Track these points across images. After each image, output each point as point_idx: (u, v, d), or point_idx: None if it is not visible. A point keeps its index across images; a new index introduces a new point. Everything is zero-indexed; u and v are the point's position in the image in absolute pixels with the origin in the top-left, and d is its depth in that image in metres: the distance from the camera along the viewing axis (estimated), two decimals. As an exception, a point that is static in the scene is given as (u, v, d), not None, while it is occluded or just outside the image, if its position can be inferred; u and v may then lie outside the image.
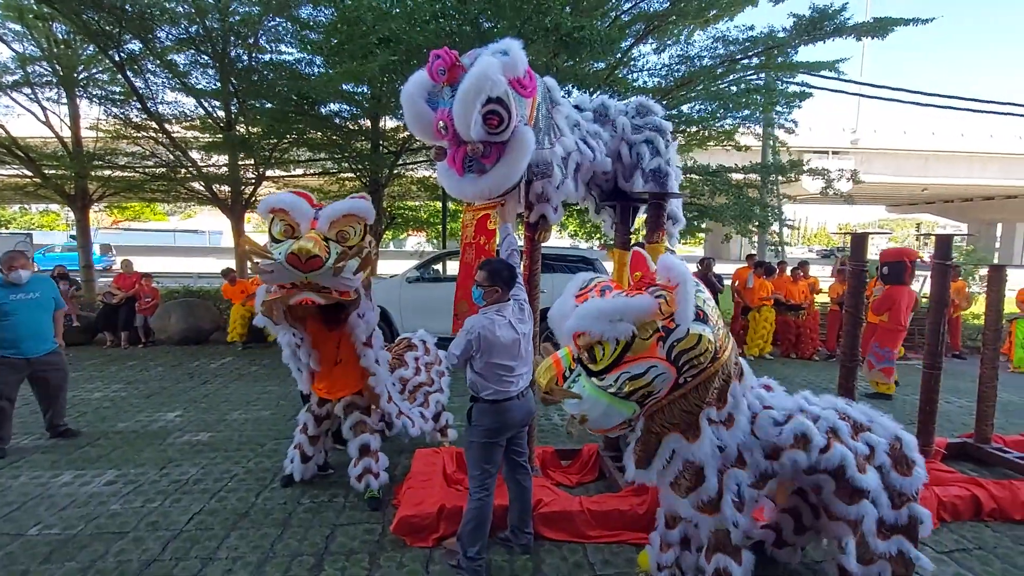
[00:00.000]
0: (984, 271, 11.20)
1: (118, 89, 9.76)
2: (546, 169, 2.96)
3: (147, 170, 10.43)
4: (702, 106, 9.32)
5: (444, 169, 2.88)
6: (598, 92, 8.15)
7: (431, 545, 2.97)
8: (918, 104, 10.04)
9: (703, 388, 2.13)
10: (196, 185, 10.48)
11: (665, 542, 2.57)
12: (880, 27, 8.01)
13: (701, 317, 2.08)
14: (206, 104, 9.63)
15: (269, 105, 9.11)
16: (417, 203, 14.59)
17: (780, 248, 10.91)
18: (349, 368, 3.40)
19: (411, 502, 3.13)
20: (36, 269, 10.23)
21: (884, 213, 46.30)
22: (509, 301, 2.69)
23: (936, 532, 3.20)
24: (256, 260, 2.89)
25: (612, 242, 4.00)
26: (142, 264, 9.66)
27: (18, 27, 9.21)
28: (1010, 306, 7.42)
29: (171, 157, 10.32)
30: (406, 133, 10.82)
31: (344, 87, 9.22)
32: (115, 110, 9.89)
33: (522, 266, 3.16)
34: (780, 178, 10.70)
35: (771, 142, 11.12)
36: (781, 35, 8.35)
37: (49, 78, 9.59)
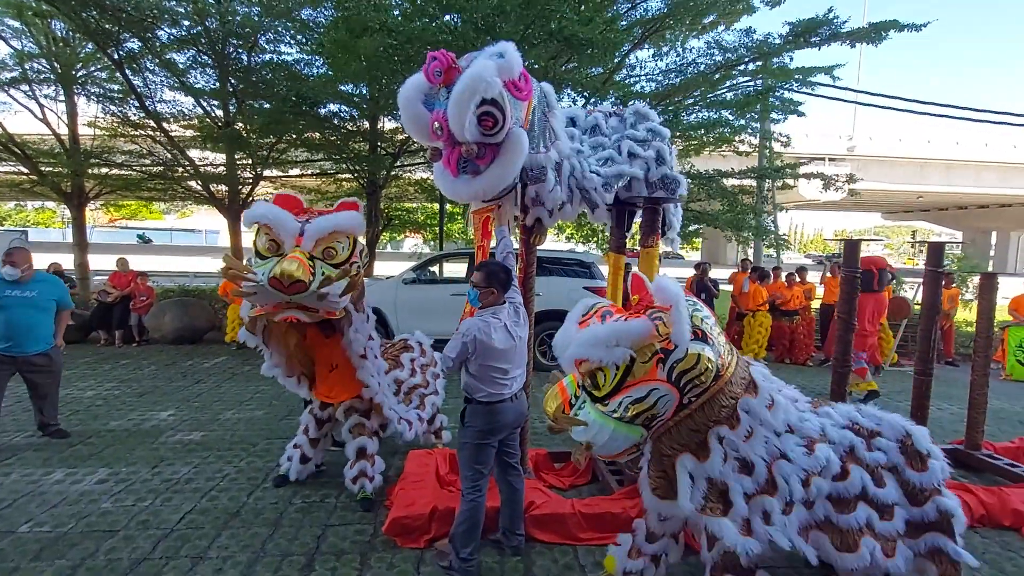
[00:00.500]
0: (977, 279, 11.30)
1: (116, 87, 9.77)
2: (540, 174, 2.98)
3: (144, 169, 10.42)
4: (700, 113, 9.37)
5: (440, 170, 2.89)
6: (594, 98, 8.21)
7: (422, 546, 2.97)
8: (912, 112, 10.10)
9: (709, 407, 2.13)
10: (193, 184, 10.47)
11: (638, 550, 2.58)
12: (875, 32, 8.03)
13: (700, 336, 2.08)
14: (204, 103, 9.63)
15: (267, 105, 9.13)
16: (414, 205, 14.61)
17: (777, 253, 10.95)
18: (347, 373, 3.39)
19: (403, 503, 3.13)
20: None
21: (880, 220, 46.56)
22: (505, 304, 2.70)
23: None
24: (236, 279, 2.77)
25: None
26: (138, 263, 9.62)
27: (17, 24, 9.21)
28: (1002, 314, 7.48)
29: (168, 156, 10.31)
30: (404, 135, 10.85)
31: (343, 88, 9.26)
32: (113, 108, 9.90)
33: (517, 269, 3.17)
34: (776, 184, 10.74)
35: (766, 149, 11.19)
36: (776, 41, 8.40)
37: (47, 75, 9.58)
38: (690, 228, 10.50)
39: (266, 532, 3.09)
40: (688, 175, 9.69)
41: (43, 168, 9.72)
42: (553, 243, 20.04)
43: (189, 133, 10.26)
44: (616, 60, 8.23)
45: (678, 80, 8.72)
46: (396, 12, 7.27)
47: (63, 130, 10.06)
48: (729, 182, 10.09)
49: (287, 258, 2.74)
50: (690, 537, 2.99)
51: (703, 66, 8.70)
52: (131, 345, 8.14)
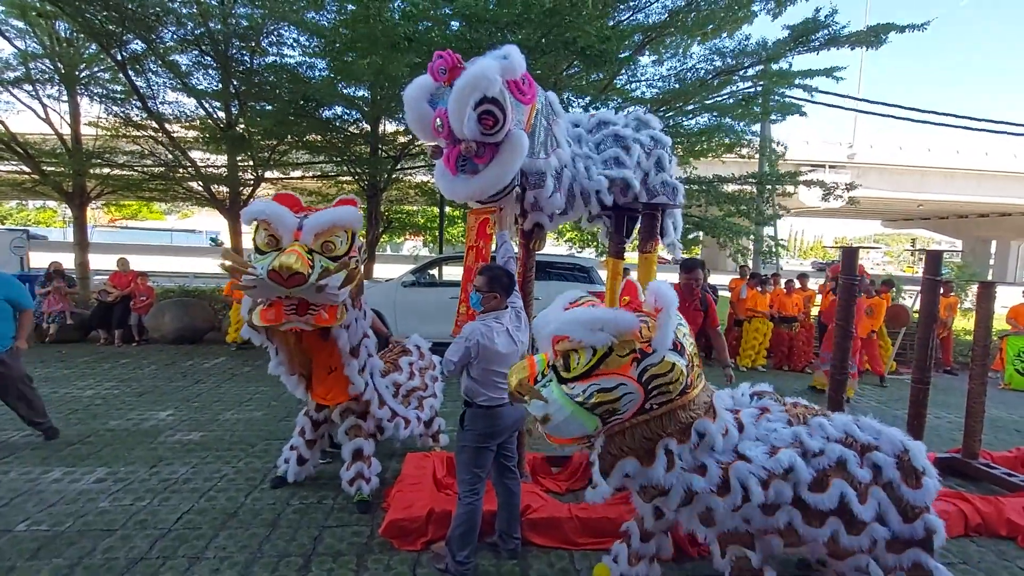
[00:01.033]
0: (976, 287, 11.32)
1: (119, 88, 9.81)
2: (539, 180, 2.99)
3: (146, 169, 10.45)
4: (700, 119, 9.41)
5: (440, 168, 2.91)
6: (594, 103, 8.25)
7: (419, 549, 2.97)
8: (912, 120, 10.16)
9: (666, 419, 2.18)
10: (194, 185, 10.50)
11: (636, 555, 2.60)
12: (875, 36, 8.02)
13: (678, 349, 2.14)
14: (206, 105, 9.68)
15: (270, 107, 9.18)
16: (415, 208, 14.65)
17: (775, 260, 10.97)
18: (343, 375, 3.41)
19: (400, 505, 3.14)
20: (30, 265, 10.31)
21: (880, 228, 46.58)
22: (507, 308, 2.72)
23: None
24: (238, 274, 2.80)
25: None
26: (138, 263, 9.63)
27: (21, 24, 9.26)
28: (1000, 323, 7.50)
29: (170, 157, 10.35)
30: (405, 138, 10.89)
31: (345, 90, 9.31)
32: (115, 109, 9.94)
33: (516, 273, 3.19)
34: (776, 191, 10.76)
35: (767, 152, 11.22)
36: (774, 45, 8.43)
37: (51, 75, 9.62)
38: (690, 236, 10.53)
39: (263, 533, 3.09)
40: (687, 180, 9.72)
41: (45, 168, 9.75)
42: (552, 247, 20.10)
43: (191, 134, 10.31)
44: (616, 66, 8.28)
45: (678, 85, 8.75)
46: (421, 23, 7.37)
47: (65, 130, 10.09)
48: (729, 187, 10.11)
49: (285, 251, 2.78)
50: (683, 542, 3.01)
51: (703, 71, 8.74)
52: (131, 345, 8.15)
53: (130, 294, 8.30)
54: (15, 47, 9.36)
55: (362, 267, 3.30)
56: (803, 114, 9.75)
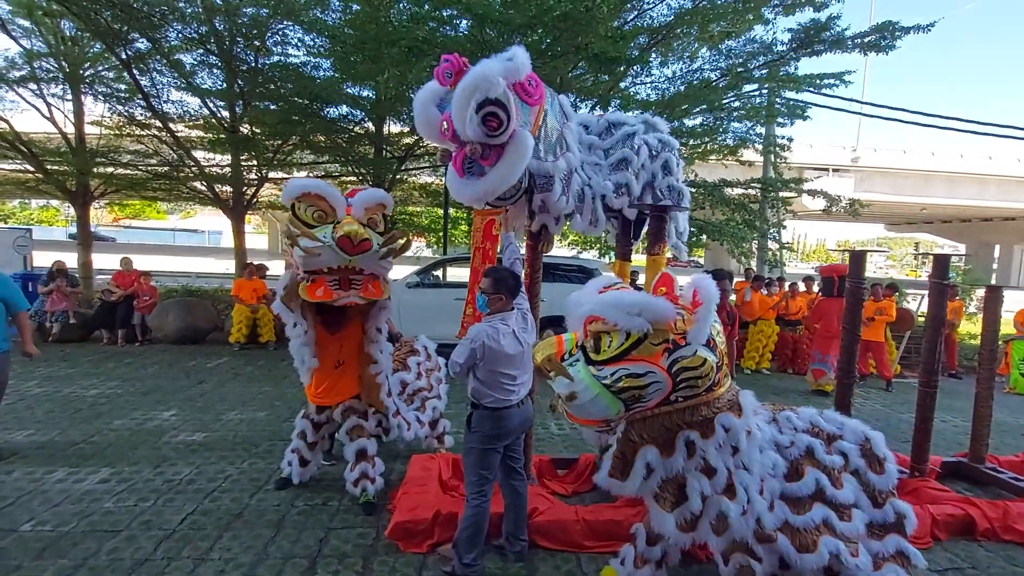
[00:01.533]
0: (981, 291, 11.28)
1: (123, 87, 9.83)
2: (547, 183, 2.98)
3: (150, 168, 10.47)
4: (704, 120, 9.39)
5: (449, 171, 2.91)
6: (600, 105, 8.24)
7: (425, 551, 2.96)
8: (918, 124, 10.11)
9: (689, 412, 2.18)
10: (198, 185, 10.51)
11: (643, 558, 2.59)
12: (882, 38, 7.96)
13: (711, 345, 2.13)
14: (211, 104, 9.69)
15: (274, 107, 9.19)
16: (419, 208, 14.65)
17: (780, 264, 10.95)
18: (349, 371, 3.41)
19: (406, 507, 3.12)
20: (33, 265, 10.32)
21: (883, 231, 46.50)
22: (513, 310, 2.71)
23: (930, 551, 3.21)
24: (298, 242, 2.90)
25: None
26: (140, 263, 9.63)
27: (27, 23, 9.29)
28: (1006, 327, 7.46)
29: (174, 156, 10.36)
30: (410, 139, 10.90)
31: (350, 90, 9.32)
32: (120, 108, 9.95)
33: (523, 275, 3.18)
34: (781, 195, 10.74)
35: (771, 158, 11.20)
36: (781, 48, 8.41)
37: (55, 74, 9.64)
38: (694, 239, 10.50)
39: (268, 534, 3.08)
40: (691, 184, 9.71)
41: (49, 167, 9.77)
42: (556, 249, 20.07)
43: (195, 134, 10.33)
44: (622, 68, 8.27)
45: (683, 87, 8.74)
46: (431, 25, 7.39)
47: (69, 129, 10.11)
48: (734, 191, 10.10)
49: (347, 221, 2.96)
50: (694, 547, 2.99)
51: (707, 73, 8.72)
52: (134, 344, 8.15)
53: (133, 294, 8.30)
54: (21, 46, 9.38)
55: None
56: (806, 118, 9.74)
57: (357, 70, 7.89)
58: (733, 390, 2.34)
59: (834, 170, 23.91)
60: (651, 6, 8.25)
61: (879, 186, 25.29)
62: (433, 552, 2.93)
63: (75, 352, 7.49)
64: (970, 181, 26.01)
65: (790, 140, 10.61)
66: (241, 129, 9.67)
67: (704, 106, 8.72)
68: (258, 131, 9.56)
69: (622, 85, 8.60)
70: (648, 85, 9.11)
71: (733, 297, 8.72)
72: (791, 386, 7.50)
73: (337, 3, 8.70)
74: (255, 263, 9.01)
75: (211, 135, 9.88)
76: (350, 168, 10.91)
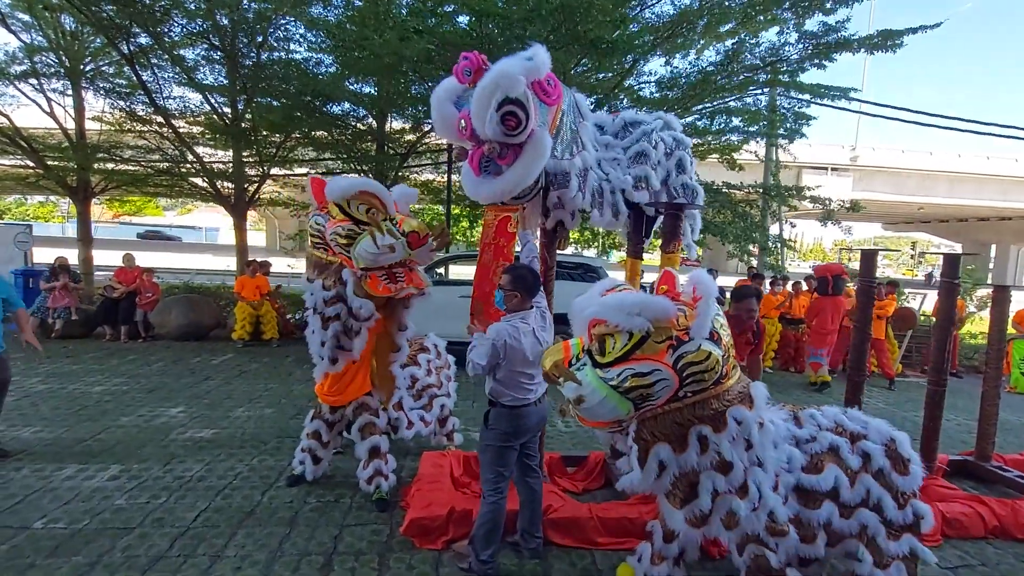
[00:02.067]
0: (981, 292, 11.34)
1: (123, 82, 9.78)
2: (563, 180, 2.98)
3: (151, 164, 10.41)
4: (707, 120, 9.39)
5: (465, 169, 2.91)
6: (604, 103, 8.24)
7: (440, 547, 2.96)
8: (919, 124, 10.16)
9: (700, 407, 2.19)
10: (199, 181, 10.46)
11: (659, 555, 2.60)
12: (888, 39, 8.01)
13: (715, 339, 2.14)
14: (212, 100, 9.64)
15: (276, 103, 9.15)
16: (420, 206, 14.62)
17: (780, 268, 10.99)
18: (364, 368, 3.40)
19: (420, 504, 3.12)
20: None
21: (880, 231, 46.66)
22: (532, 309, 2.70)
23: (940, 548, 3.23)
24: (377, 238, 3.01)
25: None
26: (138, 259, 9.58)
27: (26, 17, 9.22)
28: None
29: (176, 152, 10.31)
30: (413, 135, 10.87)
31: (352, 86, 9.28)
32: (120, 103, 9.90)
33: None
34: (782, 201, 10.76)
35: (772, 164, 11.22)
36: (787, 49, 8.43)
37: (56, 69, 9.58)
38: (695, 237, 10.51)
39: (282, 531, 3.08)
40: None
41: (49, 162, 9.71)
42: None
43: (196, 129, 10.28)
44: (628, 65, 8.26)
45: (687, 86, 8.74)
46: (429, 18, 7.38)
47: (70, 124, 10.05)
48: (736, 194, 10.12)
49: (404, 218, 3.15)
50: (706, 542, 3.00)
51: (713, 73, 8.72)
52: (136, 341, 8.11)
53: (136, 290, 8.26)
54: (21, 40, 9.32)
55: None
56: (809, 125, 9.78)
57: (360, 64, 7.86)
58: (744, 382, 2.34)
59: (833, 169, 24.00)
60: (655, 2, 8.26)
61: (878, 185, 25.40)
62: (448, 549, 2.93)
63: (78, 349, 7.46)
64: (968, 180, 26.14)
65: (793, 156, 10.68)
66: (243, 125, 9.63)
67: (708, 106, 8.72)
68: (260, 127, 9.50)
69: (627, 84, 8.59)
70: (653, 83, 9.10)
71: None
72: (792, 385, 7.53)
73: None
74: (259, 260, 8.98)
75: (212, 131, 9.82)
76: (352, 165, 10.86)
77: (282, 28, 9.29)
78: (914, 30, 7.92)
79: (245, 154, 10.06)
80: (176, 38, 9.20)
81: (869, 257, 3.72)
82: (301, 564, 2.78)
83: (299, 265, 13.75)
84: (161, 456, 4.05)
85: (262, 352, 7.76)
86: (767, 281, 8.95)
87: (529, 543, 2.92)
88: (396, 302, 3.41)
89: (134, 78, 9.04)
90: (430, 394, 4.05)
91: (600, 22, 6.66)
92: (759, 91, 9.27)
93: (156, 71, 9.46)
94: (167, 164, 10.39)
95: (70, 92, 9.96)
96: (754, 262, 11.66)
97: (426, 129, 10.65)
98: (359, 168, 10.77)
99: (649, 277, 3.30)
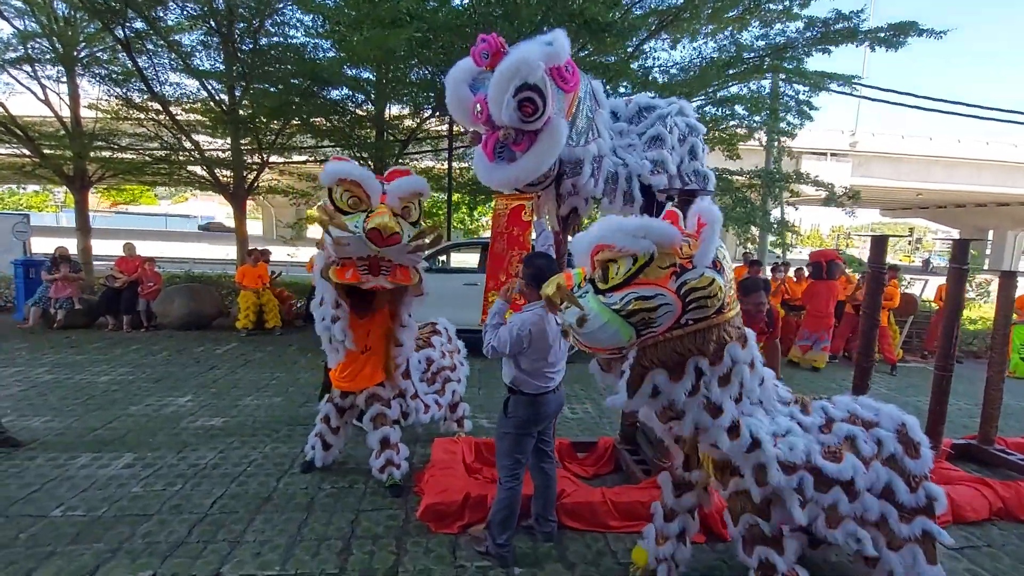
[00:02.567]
0: (980, 278, 11.40)
1: (118, 69, 9.64)
2: (576, 168, 2.96)
3: (148, 152, 10.30)
4: (711, 108, 9.35)
5: (478, 154, 2.88)
6: (607, 88, 8.17)
7: (456, 532, 3.00)
8: (921, 108, 10.13)
9: (701, 336, 2.15)
10: (198, 170, 10.37)
11: (662, 534, 2.64)
12: (895, 35, 8.01)
13: (718, 268, 2.13)
14: (209, 86, 9.52)
15: (274, 89, 9.03)
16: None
17: (783, 251, 11.01)
18: (376, 358, 3.41)
19: (435, 490, 3.16)
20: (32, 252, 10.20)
21: (878, 217, 46.67)
22: None
23: (945, 529, 3.27)
24: (331, 231, 2.90)
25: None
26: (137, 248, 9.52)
27: (19, 3, 9.05)
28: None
29: (173, 140, 10.20)
30: (412, 122, 10.77)
31: (350, 72, 9.17)
32: (116, 90, 9.76)
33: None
34: (783, 186, 10.75)
35: (774, 150, 11.18)
36: (794, 36, 8.37)
37: (50, 55, 9.43)
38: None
39: (300, 517, 3.11)
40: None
41: (45, 151, 9.60)
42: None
43: (194, 117, 10.16)
44: (630, 49, 8.18)
45: (691, 74, 8.67)
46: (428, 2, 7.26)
47: (65, 112, 9.92)
48: (737, 180, 10.10)
49: (379, 212, 2.91)
50: (716, 524, 3.05)
51: (718, 59, 8.65)
52: (139, 331, 8.10)
53: (137, 279, 8.23)
54: (14, 27, 9.15)
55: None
56: (810, 118, 9.74)
57: (356, 50, 7.76)
58: (740, 321, 2.32)
59: (832, 155, 23.93)
60: None
61: (877, 171, 25.35)
62: (464, 533, 2.97)
63: (81, 339, 7.44)
64: (967, 167, 26.11)
65: (793, 135, 10.63)
66: (240, 112, 9.52)
67: (712, 89, 8.67)
68: (258, 114, 9.39)
69: (632, 67, 8.51)
70: (658, 69, 9.03)
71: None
72: (794, 371, 7.58)
73: None
74: (258, 248, 8.95)
75: (210, 118, 9.70)
76: (351, 152, 10.78)
77: (279, 12, 9.15)
78: (921, 32, 7.96)
79: (243, 141, 9.96)
80: (172, 23, 9.05)
81: (880, 243, 3.73)
82: (320, 548, 2.82)
83: (300, 254, 13.71)
84: (173, 444, 4.07)
85: (266, 341, 7.77)
86: (768, 268, 8.97)
87: (544, 527, 2.96)
88: (392, 297, 3.37)
89: (129, 64, 8.92)
90: (443, 377, 4.07)
91: (592, 1, 6.56)
92: (763, 78, 9.21)
93: (152, 57, 9.32)
94: (165, 152, 10.29)
95: (65, 79, 9.81)
96: (749, 246, 11.68)
97: (426, 115, 10.56)
98: (358, 155, 10.69)
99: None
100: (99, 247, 12.75)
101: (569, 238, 3.41)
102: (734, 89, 9.32)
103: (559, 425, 4.78)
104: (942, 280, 7.03)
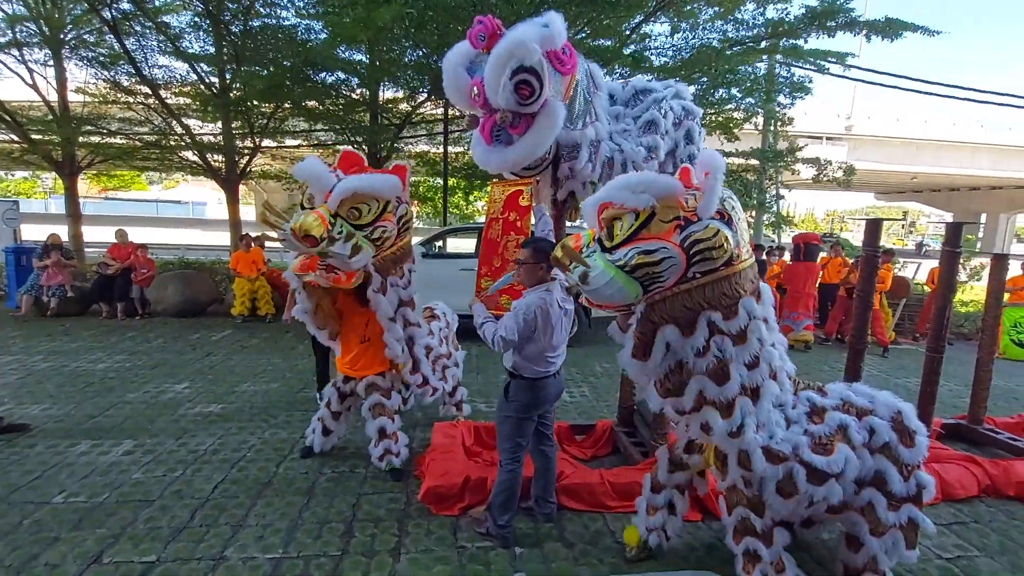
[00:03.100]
0: (974, 261, 11.49)
1: (105, 51, 9.45)
2: (573, 151, 2.95)
3: (138, 137, 10.16)
4: (709, 92, 9.30)
5: (475, 138, 2.86)
6: (604, 70, 8.09)
7: (456, 514, 3.04)
8: (918, 92, 10.15)
9: (710, 289, 2.11)
10: (189, 155, 10.24)
11: (652, 505, 2.71)
12: (890, 28, 8.10)
13: (725, 219, 2.10)
14: (199, 69, 9.35)
15: (264, 72, 8.89)
16: (417, 178, 14.44)
17: (778, 232, 11.06)
18: (376, 348, 3.41)
19: (436, 473, 3.19)
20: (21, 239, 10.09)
21: (873, 200, 46.81)
22: (554, 280, 2.70)
23: (934, 506, 3.36)
24: (271, 226, 2.91)
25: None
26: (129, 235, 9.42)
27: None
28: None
29: (164, 124, 10.05)
30: (407, 105, 10.65)
31: (343, 54, 9.02)
32: (104, 73, 9.58)
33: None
34: (778, 165, 10.76)
35: (770, 130, 11.17)
36: (792, 20, 8.34)
37: (36, 39, 9.22)
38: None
39: (301, 501, 3.14)
40: None
41: (33, 136, 9.44)
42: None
43: (184, 100, 10.00)
44: (628, 32, 8.09)
45: (689, 56, 8.61)
46: None
47: (53, 96, 9.74)
48: (734, 161, 10.09)
49: (309, 212, 2.87)
50: (713, 504, 3.10)
51: (715, 41, 8.59)
52: (134, 318, 8.07)
53: (130, 266, 8.17)
54: (2, 10, 8.94)
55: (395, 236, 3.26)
56: (809, 92, 9.73)
57: (347, 29, 7.62)
58: (755, 274, 2.27)
59: (828, 138, 23.90)
60: None
61: (872, 154, 25.36)
62: (465, 515, 3.02)
63: (75, 326, 7.41)
64: (961, 150, 26.16)
65: (790, 119, 10.64)
66: (232, 95, 9.37)
67: (708, 70, 8.61)
68: (249, 96, 9.25)
69: (626, 52, 8.43)
70: (655, 52, 8.95)
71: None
72: (790, 354, 7.64)
73: None
74: (253, 234, 8.88)
75: (200, 101, 9.54)
76: (345, 136, 10.66)
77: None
78: (916, 28, 8.09)
79: (235, 125, 9.83)
80: (160, 4, 8.86)
81: (874, 226, 3.75)
82: (322, 531, 2.85)
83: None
84: (173, 431, 4.08)
85: (261, 328, 7.75)
86: (764, 252, 9.00)
87: (543, 508, 3.01)
88: (356, 293, 3.30)
89: (117, 46, 8.74)
90: (442, 364, 4.08)
91: None
92: (760, 60, 9.17)
93: (140, 39, 9.15)
94: (155, 137, 10.14)
95: (51, 63, 9.61)
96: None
97: (421, 99, 10.43)
98: (352, 139, 10.57)
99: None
100: (90, 234, 12.62)
101: (566, 223, 3.41)
102: (740, 71, 9.31)
103: (558, 408, 4.83)
104: (935, 263, 7.10)
